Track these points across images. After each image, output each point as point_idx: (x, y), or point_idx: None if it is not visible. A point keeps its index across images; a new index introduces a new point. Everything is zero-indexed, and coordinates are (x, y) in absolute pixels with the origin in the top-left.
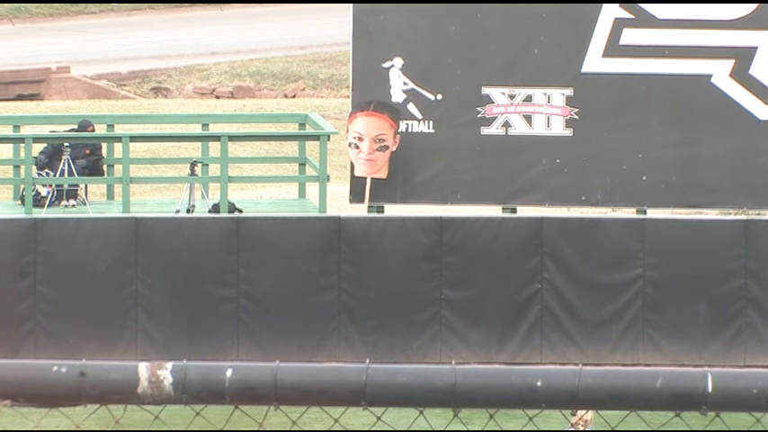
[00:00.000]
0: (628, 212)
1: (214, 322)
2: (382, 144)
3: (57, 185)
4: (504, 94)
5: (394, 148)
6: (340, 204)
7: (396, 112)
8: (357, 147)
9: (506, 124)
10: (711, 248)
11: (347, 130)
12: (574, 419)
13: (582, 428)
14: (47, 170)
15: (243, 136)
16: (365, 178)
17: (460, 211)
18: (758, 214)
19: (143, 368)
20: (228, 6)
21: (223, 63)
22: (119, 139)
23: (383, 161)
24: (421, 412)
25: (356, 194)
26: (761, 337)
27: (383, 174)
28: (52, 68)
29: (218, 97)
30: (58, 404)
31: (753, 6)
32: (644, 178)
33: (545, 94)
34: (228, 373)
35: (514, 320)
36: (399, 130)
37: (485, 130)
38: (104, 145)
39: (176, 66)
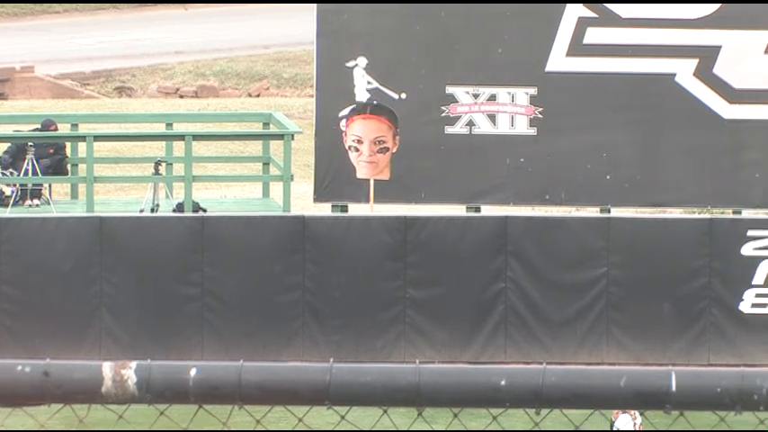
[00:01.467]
0: (592, 211)
1: (178, 321)
2: (382, 146)
3: (21, 185)
4: (468, 93)
5: (394, 150)
6: (304, 204)
7: (393, 114)
8: (357, 149)
9: (470, 123)
10: (675, 247)
11: (345, 134)
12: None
13: (632, 419)
14: (11, 170)
15: (207, 135)
16: (368, 181)
17: (425, 210)
18: (722, 213)
19: (107, 368)
20: (192, 6)
21: (187, 62)
22: (83, 138)
23: (384, 162)
24: (385, 411)
25: (335, 198)
26: (725, 335)
27: (385, 175)
28: (16, 68)
29: (182, 97)
30: (22, 404)
31: (716, 6)
32: (608, 177)
33: (509, 93)
34: (193, 372)
35: (479, 319)
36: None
37: (449, 130)
38: (68, 144)
39: (140, 65)
